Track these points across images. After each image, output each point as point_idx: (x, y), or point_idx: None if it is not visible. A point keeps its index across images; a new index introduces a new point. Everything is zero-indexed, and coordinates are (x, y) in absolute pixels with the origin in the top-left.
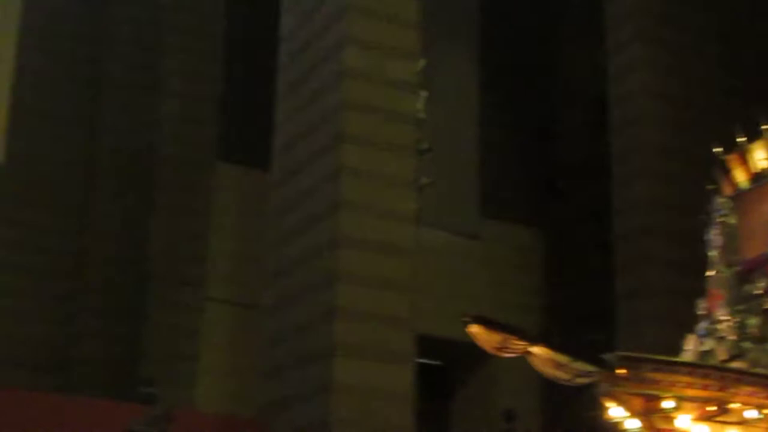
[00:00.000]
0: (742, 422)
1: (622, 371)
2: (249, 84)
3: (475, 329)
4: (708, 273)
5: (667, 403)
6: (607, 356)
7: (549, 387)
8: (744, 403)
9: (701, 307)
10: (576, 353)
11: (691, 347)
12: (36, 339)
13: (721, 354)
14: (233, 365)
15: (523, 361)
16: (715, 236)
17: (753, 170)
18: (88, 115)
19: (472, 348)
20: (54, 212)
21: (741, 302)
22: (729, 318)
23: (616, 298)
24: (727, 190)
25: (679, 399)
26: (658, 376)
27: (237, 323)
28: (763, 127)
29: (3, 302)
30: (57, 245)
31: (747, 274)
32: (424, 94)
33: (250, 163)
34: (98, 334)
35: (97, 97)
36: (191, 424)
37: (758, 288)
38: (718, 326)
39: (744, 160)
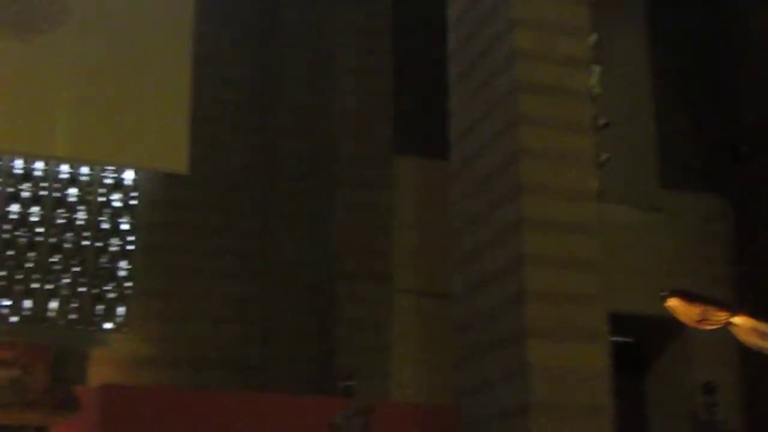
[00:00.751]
0: None
1: None
2: (420, 75)
3: (673, 303)
4: None
5: None
6: None
7: (745, 360)
8: None
9: None
10: None
11: None
12: (231, 340)
13: None
14: (425, 354)
15: (717, 334)
16: None
17: None
18: (266, 118)
19: (664, 322)
20: (240, 217)
21: None
22: None
23: None
24: None
25: None
26: None
27: (427, 313)
28: None
29: (199, 306)
30: (246, 248)
31: None
32: (597, 68)
33: (427, 154)
34: (291, 332)
35: (273, 100)
36: (390, 415)
37: None
38: None
39: None
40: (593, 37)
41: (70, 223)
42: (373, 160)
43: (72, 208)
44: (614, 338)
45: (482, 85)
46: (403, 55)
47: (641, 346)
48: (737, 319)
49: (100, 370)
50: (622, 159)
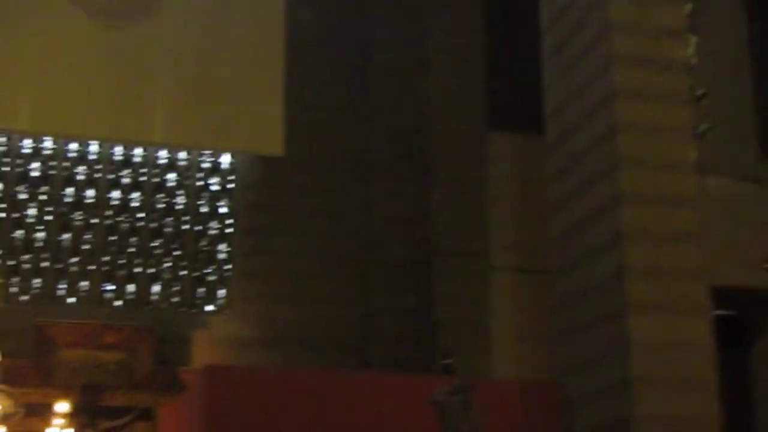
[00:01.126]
0: None
1: None
2: (513, 50)
3: None
4: None
5: None
6: None
7: None
8: None
9: None
10: None
11: None
12: (330, 320)
13: None
14: (525, 331)
15: None
16: None
17: None
18: (360, 99)
19: (767, 295)
20: (337, 197)
21: None
22: None
23: None
24: None
25: None
26: None
27: (525, 290)
28: None
29: (298, 287)
30: (342, 229)
31: None
32: (693, 38)
33: (522, 130)
34: (390, 311)
35: (367, 81)
36: (491, 392)
37: None
38: None
39: None
40: (689, 7)
41: (170, 208)
42: (468, 137)
43: (171, 192)
44: (717, 312)
45: (577, 59)
46: (497, 30)
47: (744, 319)
48: None
49: (203, 352)
50: (721, 130)
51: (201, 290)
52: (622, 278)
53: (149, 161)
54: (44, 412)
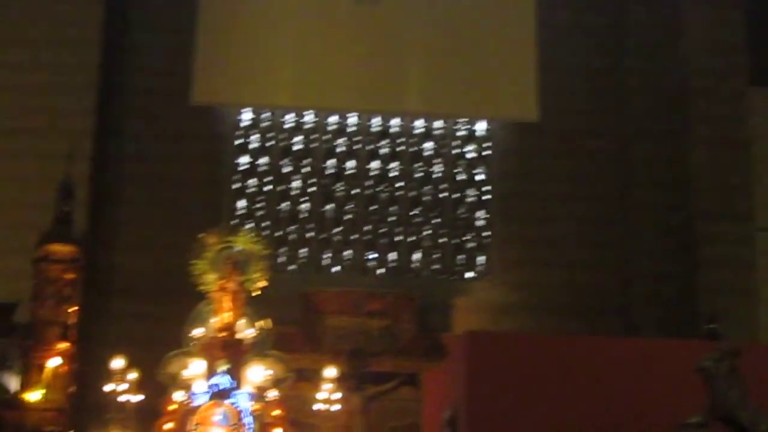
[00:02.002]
0: None
1: None
2: None
3: None
4: None
5: None
6: None
7: None
8: None
9: None
10: None
11: None
12: (591, 285)
13: None
14: None
15: None
16: None
17: None
18: (614, 61)
19: None
20: (593, 161)
21: None
22: None
23: None
24: None
25: None
26: None
27: None
28: None
29: (558, 252)
30: (601, 192)
31: None
32: None
33: None
34: (651, 275)
35: (620, 42)
36: (758, 357)
37: None
38: None
39: None
40: None
41: (428, 177)
42: (727, 94)
43: (428, 161)
44: None
45: None
46: None
47: None
48: None
49: (463, 318)
50: None
51: (460, 257)
52: None
53: (406, 131)
54: (313, 377)
